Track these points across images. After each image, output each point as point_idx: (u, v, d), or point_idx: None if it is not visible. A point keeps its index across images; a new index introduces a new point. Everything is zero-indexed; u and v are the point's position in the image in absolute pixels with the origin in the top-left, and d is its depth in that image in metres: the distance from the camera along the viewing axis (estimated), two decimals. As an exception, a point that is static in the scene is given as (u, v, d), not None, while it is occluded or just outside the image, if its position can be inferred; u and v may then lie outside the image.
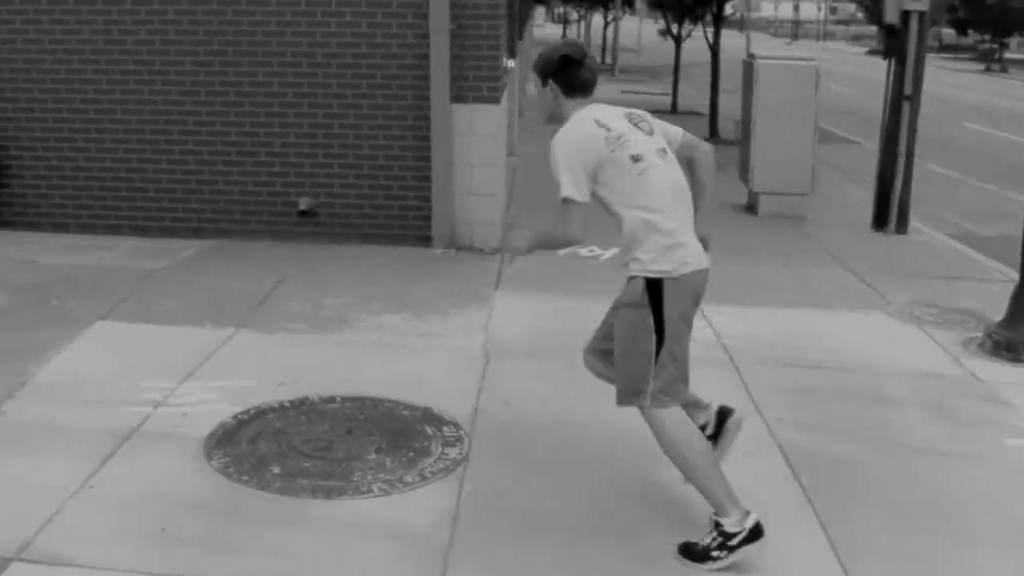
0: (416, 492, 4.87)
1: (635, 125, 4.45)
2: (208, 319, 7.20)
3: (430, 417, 5.73)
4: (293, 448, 5.28)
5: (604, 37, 41.42)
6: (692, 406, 4.64)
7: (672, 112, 21.68)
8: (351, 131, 9.26)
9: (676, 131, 4.63)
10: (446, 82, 9.02)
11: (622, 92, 26.50)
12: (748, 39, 19.58)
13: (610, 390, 4.55)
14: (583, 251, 9.41)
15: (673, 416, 4.36)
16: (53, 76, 9.46)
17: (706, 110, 19.71)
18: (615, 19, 38.38)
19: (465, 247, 9.31)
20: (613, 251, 9.44)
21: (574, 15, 53.89)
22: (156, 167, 9.54)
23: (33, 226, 9.72)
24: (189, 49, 9.31)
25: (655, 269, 4.30)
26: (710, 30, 19.91)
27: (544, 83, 4.55)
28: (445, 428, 5.60)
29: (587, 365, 4.89)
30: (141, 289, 7.93)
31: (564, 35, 51.06)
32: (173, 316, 7.30)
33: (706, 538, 4.29)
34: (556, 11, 66.31)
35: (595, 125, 4.37)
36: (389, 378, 6.24)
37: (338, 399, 5.91)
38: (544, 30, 60.11)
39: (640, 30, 47.71)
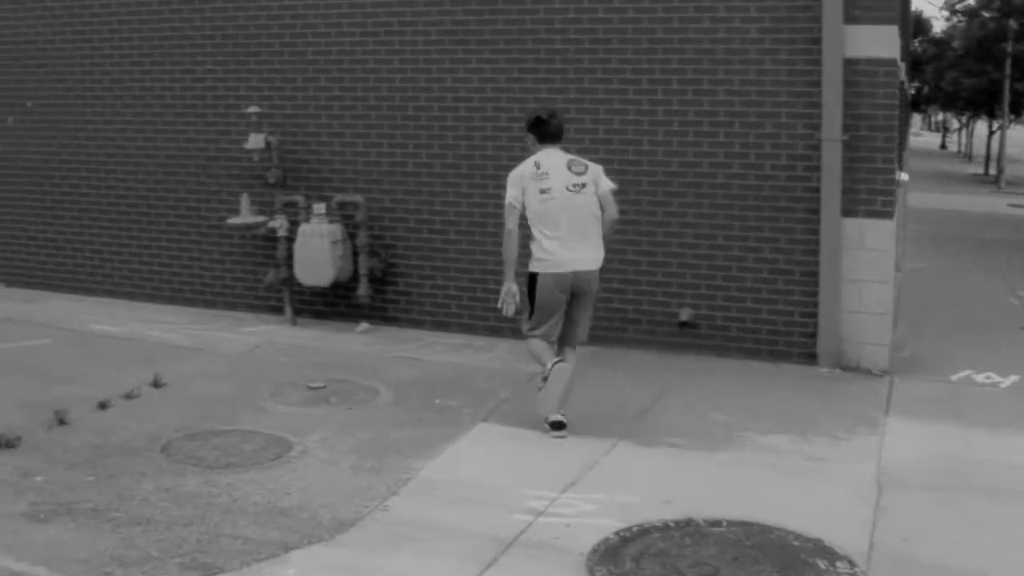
0: (813, 632, 4.62)
1: (568, 168, 7.05)
2: (589, 429, 7.22)
3: (822, 550, 5.45)
4: (679, 572, 5.14)
5: (988, 146, 39.64)
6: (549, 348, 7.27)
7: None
8: (736, 243, 9.16)
9: (605, 187, 7.18)
10: (837, 195, 8.79)
11: (1009, 205, 25.07)
12: None
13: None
14: (979, 377, 8.86)
15: (533, 342, 7.25)
16: (456, 190, 9.90)
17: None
18: (1001, 127, 36.69)
19: (852, 367, 8.95)
20: (1013, 379, 8.86)
21: (954, 123, 51.99)
22: None
23: (416, 323, 10.18)
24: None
25: (531, 267, 7.12)
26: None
27: (527, 132, 7.24)
28: (839, 563, 5.30)
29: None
30: (522, 393, 8.07)
31: (943, 146, 49.18)
32: (557, 423, 7.36)
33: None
34: (933, 118, 64.25)
35: (533, 165, 7.03)
36: (776, 503, 6.01)
37: (724, 523, 5.74)
38: (920, 139, 58.21)
39: (1031, 139, 45.36)
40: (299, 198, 10.20)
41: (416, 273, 10.17)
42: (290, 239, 10.15)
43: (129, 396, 7.94)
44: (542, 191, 6.94)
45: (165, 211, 11.11)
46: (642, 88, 9.26)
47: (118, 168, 11.26)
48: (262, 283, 10.57)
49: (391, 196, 10.09)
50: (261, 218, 10.29)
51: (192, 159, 10.91)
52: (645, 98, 9.27)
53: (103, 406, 7.70)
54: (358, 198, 10.07)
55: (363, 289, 10.10)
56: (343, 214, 10.13)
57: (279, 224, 10.20)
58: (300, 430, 7.20)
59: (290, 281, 10.27)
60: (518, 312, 7.33)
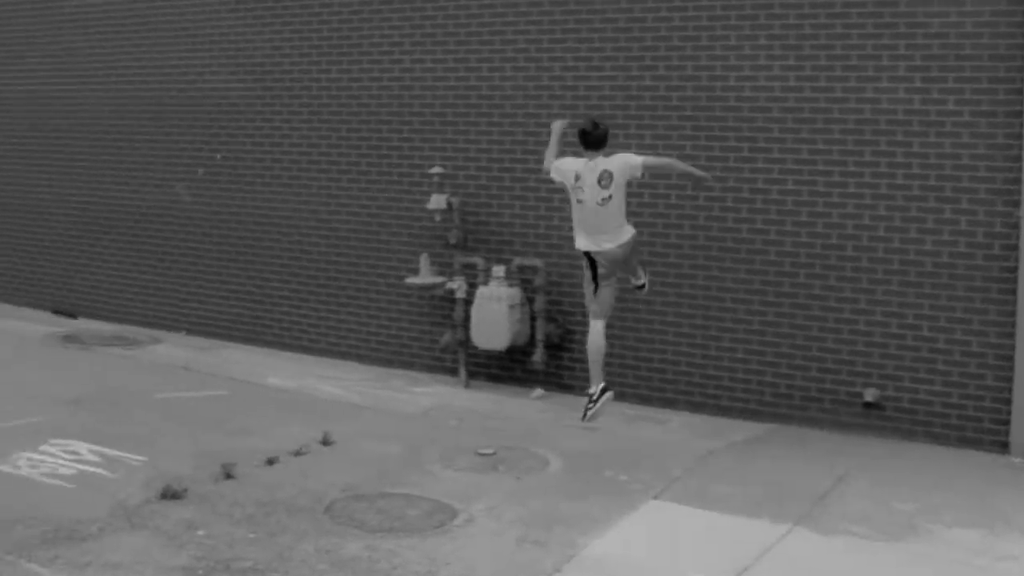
0: None
1: (598, 182, 8.32)
2: (764, 511, 7.06)
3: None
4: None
5: None
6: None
7: None
8: (926, 322, 8.87)
9: (636, 163, 8.41)
10: (1038, 280, 8.45)
11: None
12: None
13: None
14: None
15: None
16: (663, 260, 9.80)
17: None
18: None
19: (1047, 459, 8.54)
20: None
21: None
22: (719, 344, 9.62)
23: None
24: (776, 235, 9.39)
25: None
26: None
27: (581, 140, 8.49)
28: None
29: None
30: (695, 470, 7.96)
31: None
32: (727, 503, 7.23)
33: None
34: None
35: (574, 176, 8.45)
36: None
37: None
38: None
39: None
40: (478, 260, 10.33)
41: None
42: (468, 301, 10.26)
43: (298, 453, 8.14)
44: (578, 200, 8.49)
45: (345, 267, 11.37)
46: (832, 159, 9.10)
47: (302, 223, 11.60)
48: (438, 344, 10.69)
49: (571, 261, 10.01)
50: (440, 279, 10.43)
51: (374, 217, 11.15)
52: (836, 169, 9.10)
53: (271, 462, 7.88)
54: (538, 262, 10.14)
55: (539, 355, 10.14)
56: (522, 278, 10.21)
57: (457, 285, 10.32)
58: (467, 497, 7.23)
59: (466, 343, 10.37)
60: None
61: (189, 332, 12.45)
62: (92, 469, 7.79)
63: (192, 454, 8.08)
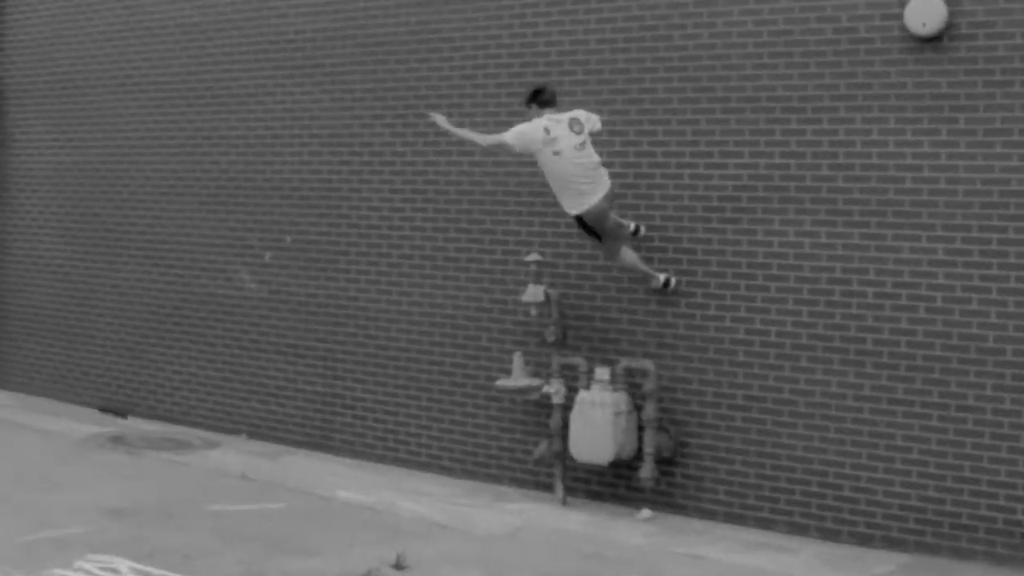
0: None
1: (570, 128, 8.89)
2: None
3: None
4: None
5: None
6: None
7: None
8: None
9: (593, 116, 9.16)
10: None
11: None
12: None
13: None
14: None
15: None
16: (762, 360, 9.15)
17: None
18: None
19: None
20: None
21: None
22: (855, 461, 8.78)
23: (706, 513, 9.36)
24: (924, 336, 8.58)
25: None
26: None
27: (529, 105, 9.13)
28: None
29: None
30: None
31: None
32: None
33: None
34: None
35: (541, 128, 8.90)
36: None
37: None
38: None
39: None
40: (579, 360, 9.67)
41: (709, 455, 9.38)
42: (567, 407, 9.61)
43: (365, 578, 7.56)
44: (554, 153, 8.87)
45: (428, 366, 10.78)
46: (990, 249, 8.31)
47: (380, 315, 11.06)
48: (531, 455, 10.02)
49: (686, 364, 9.43)
50: (535, 381, 9.79)
51: (461, 310, 10.58)
52: (994, 261, 8.30)
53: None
54: (648, 364, 9.45)
55: (647, 470, 9.36)
56: (629, 382, 9.54)
57: (555, 389, 9.67)
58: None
59: (563, 455, 9.67)
60: None
61: (249, 436, 11.88)
62: (127, 591, 7.24)
63: (242, 574, 7.54)
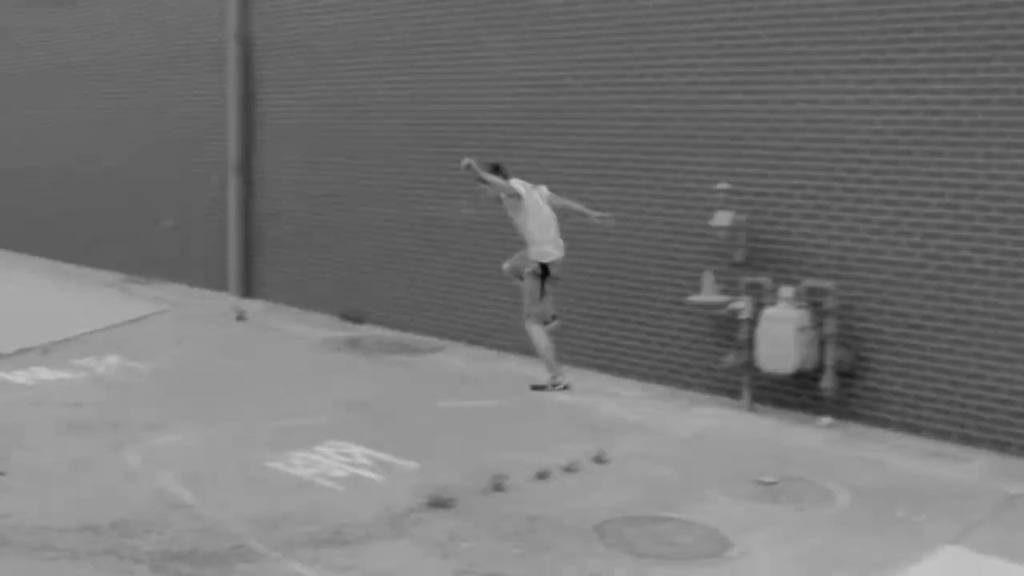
0: None
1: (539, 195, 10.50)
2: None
3: None
4: None
5: None
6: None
7: None
8: None
9: (544, 191, 10.64)
10: None
11: None
12: None
13: None
14: None
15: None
16: (937, 283, 9.16)
17: None
18: None
19: None
20: None
21: None
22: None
23: (881, 423, 9.44)
24: None
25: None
26: None
27: (494, 173, 10.46)
28: None
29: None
30: (999, 515, 7.22)
31: None
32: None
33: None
34: None
35: (526, 186, 10.45)
36: None
37: None
38: None
39: None
40: (765, 280, 9.82)
41: (886, 369, 9.44)
42: (753, 322, 9.77)
43: (569, 469, 7.89)
44: (538, 205, 10.50)
45: (628, 283, 11.07)
46: None
47: (585, 238, 11.28)
48: (720, 365, 10.23)
49: (864, 284, 9.48)
50: (724, 298, 10.01)
51: (657, 232, 10.81)
52: None
53: (542, 476, 7.67)
54: (829, 284, 9.54)
55: (828, 381, 9.52)
56: (811, 300, 9.62)
57: (742, 305, 9.85)
58: (743, 527, 6.79)
59: (750, 365, 9.87)
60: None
61: (469, 342, 12.40)
62: (363, 473, 7.81)
63: (463, 464, 7.98)
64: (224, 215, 15.43)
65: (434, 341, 12.44)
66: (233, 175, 15.17)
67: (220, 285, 15.53)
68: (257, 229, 15.29)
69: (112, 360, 11.26)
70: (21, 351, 11.46)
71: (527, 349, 11.54)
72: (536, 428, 9.19)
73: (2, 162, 20.44)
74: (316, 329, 13.22)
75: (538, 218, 10.45)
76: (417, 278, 13.14)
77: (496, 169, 10.56)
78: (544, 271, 10.45)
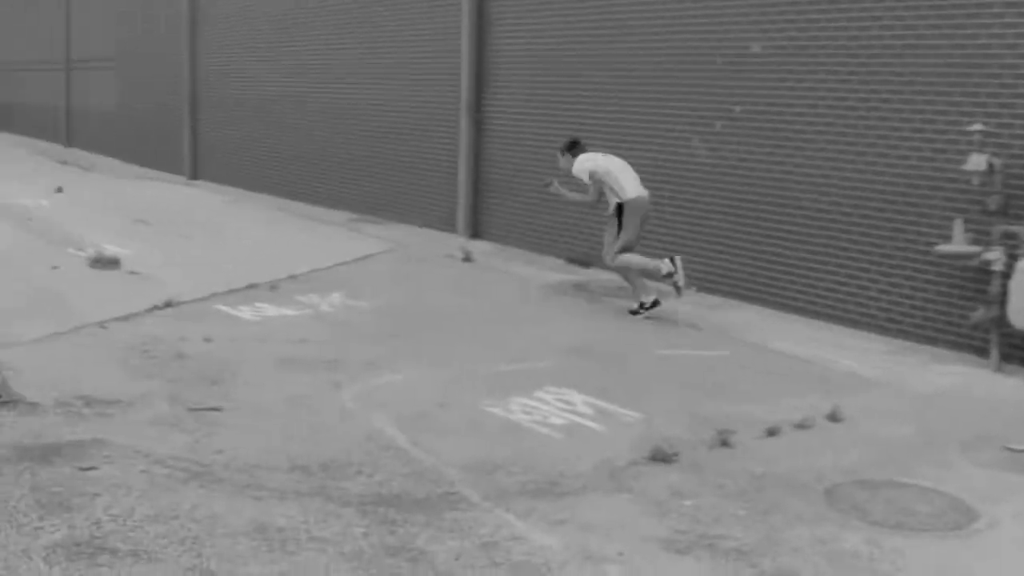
0: None
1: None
2: None
3: None
4: None
5: None
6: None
7: None
8: None
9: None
10: None
11: None
12: None
13: None
14: None
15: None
16: None
17: None
18: None
19: None
20: None
21: None
22: None
23: None
24: None
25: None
26: None
27: (564, 153, 11.44)
28: None
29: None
30: None
31: None
32: None
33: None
34: None
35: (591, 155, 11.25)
36: None
37: None
38: None
39: None
40: (1021, 229, 9.12)
41: None
42: (1006, 274, 9.08)
43: (800, 426, 7.48)
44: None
45: (869, 231, 10.48)
46: None
47: (824, 183, 10.84)
48: (967, 320, 9.55)
49: None
50: (975, 248, 9.33)
51: (903, 178, 10.16)
52: None
53: (770, 433, 7.30)
54: None
55: None
56: None
57: (995, 256, 9.16)
58: (990, 497, 6.27)
59: (1000, 321, 9.18)
60: None
61: (698, 289, 11.99)
62: (583, 421, 7.60)
63: (687, 416, 7.69)
64: (455, 155, 15.43)
65: (661, 287, 12.09)
66: (464, 114, 15.14)
67: (448, 226, 15.58)
68: (487, 170, 15.25)
69: (335, 298, 11.37)
70: (250, 287, 11.68)
71: (756, 298, 11.20)
72: (765, 380, 8.79)
73: (236, 96, 21.08)
74: (541, 272, 13.12)
75: (615, 172, 11.04)
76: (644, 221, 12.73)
77: (574, 145, 11.36)
78: (619, 209, 11.06)
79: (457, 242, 14.40)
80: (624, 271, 11.12)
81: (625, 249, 10.97)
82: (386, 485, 6.23)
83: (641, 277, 11.05)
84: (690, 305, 11.39)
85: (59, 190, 19.50)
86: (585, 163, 11.09)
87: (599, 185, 11.01)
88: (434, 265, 12.46)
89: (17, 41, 34.92)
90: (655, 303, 10.92)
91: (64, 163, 26.05)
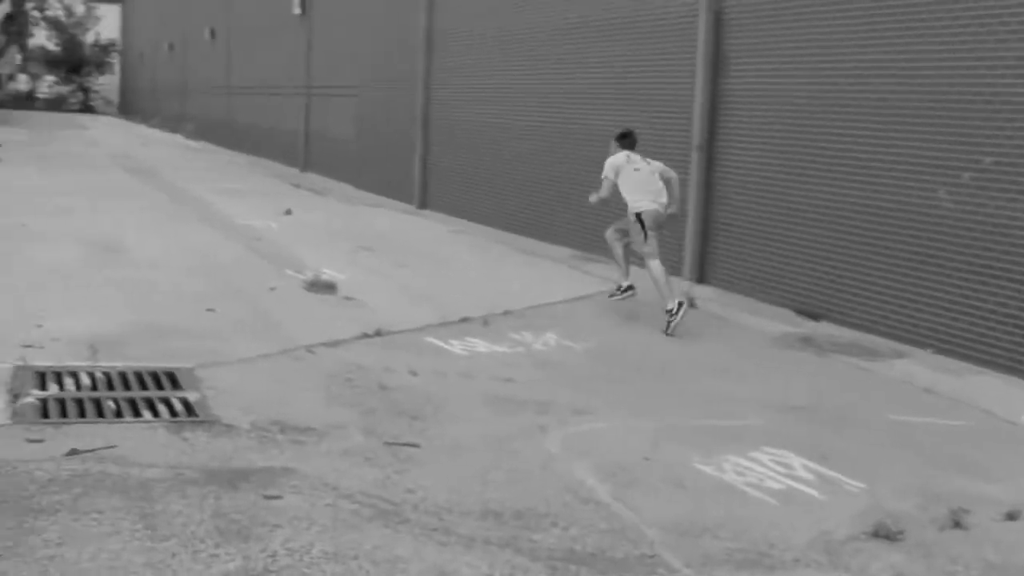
0: None
1: (643, 159, 12.26)
2: None
3: None
4: None
5: None
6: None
7: None
8: None
9: (659, 165, 12.32)
10: None
11: None
12: None
13: None
14: None
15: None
16: None
17: None
18: None
19: None
20: None
21: None
22: None
23: None
24: None
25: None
26: None
27: (623, 139, 12.47)
28: None
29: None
30: None
31: None
32: None
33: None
34: None
35: (625, 157, 12.21)
36: None
37: None
38: None
39: None
40: None
41: None
42: None
43: (1046, 511, 6.71)
44: (635, 169, 12.08)
45: None
46: None
47: (1005, 225, 9.89)
48: None
49: None
50: None
51: None
52: None
53: (1011, 516, 6.62)
54: None
55: None
56: None
57: None
58: None
59: None
60: None
61: (936, 351, 11.17)
62: (801, 488, 7.05)
63: (916, 490, 7.05)
64: (686, 195, 14.97)
65: (897, 346, 11.36)
66: (696, 152, 14.69)
67: (673, 270, 15.10)
68: (716, 210, 14.74)
69: (549, 337, 11.10)
70: (463, 320, 11.54)
71: (1005, 365, 10.36)
72: (1009, 457, 8.06)
73: (466, 124, 21.14)
74: (766, 322, 12.54)
75: (627, 183, 12.00)
76: (882, 274, 12.01)
77: (623, 136, 12.46)
78: (640, 219, 11.94)
79: (682, 286, 13.92)
80: (613, 249, 12.66)
81: (650, 256, 11.98)
82: (580, 541, 5.86)
83: (628, 264, 12.48)
84: (927, 368, 10.63)
85: (288, 212, 19.96)
86: (611, 160, 12.21)
87: (611, 186, 12.10)
88: (655, 309, 12.00)
89: (259, 66, 36.29)
90: (630, 288, 12.51)
91: (297, 187, 26.78)
